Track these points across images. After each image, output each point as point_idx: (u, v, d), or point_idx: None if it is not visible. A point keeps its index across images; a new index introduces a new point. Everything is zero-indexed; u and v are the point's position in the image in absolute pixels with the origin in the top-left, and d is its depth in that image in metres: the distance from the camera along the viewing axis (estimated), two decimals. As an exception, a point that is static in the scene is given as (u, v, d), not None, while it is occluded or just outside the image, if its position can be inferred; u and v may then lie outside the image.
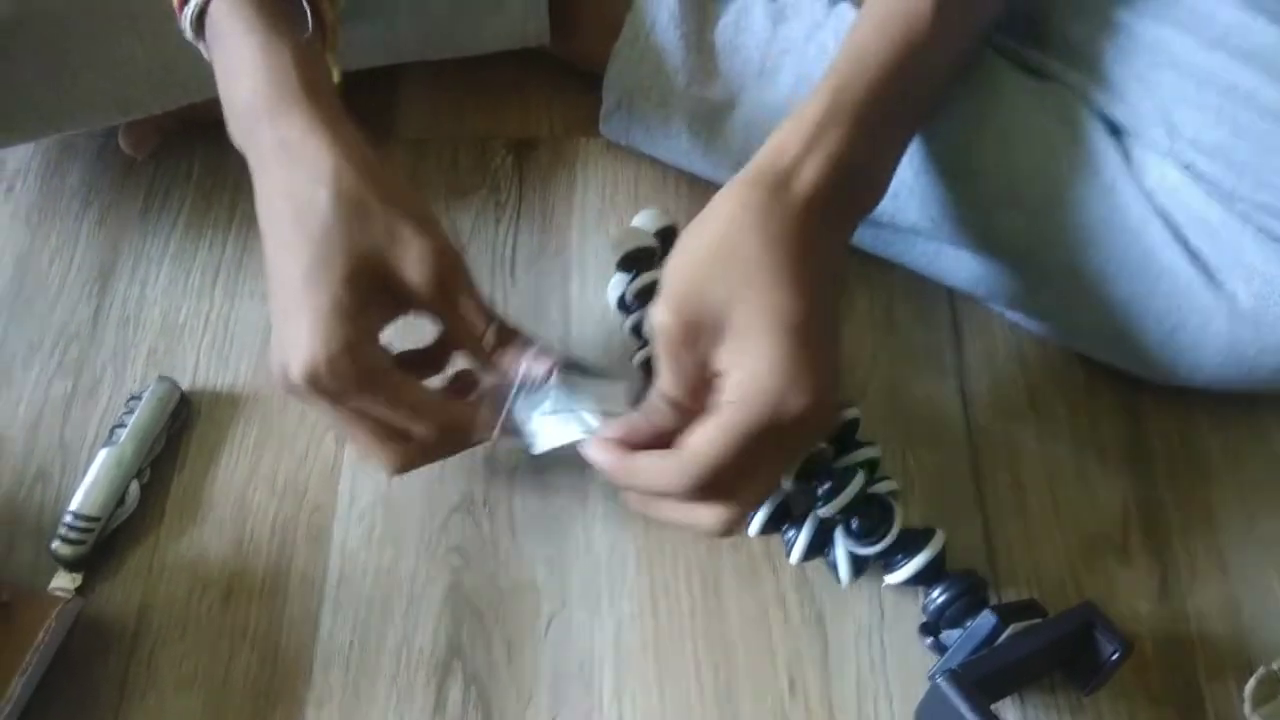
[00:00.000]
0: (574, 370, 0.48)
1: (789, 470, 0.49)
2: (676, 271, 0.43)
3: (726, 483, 0.42)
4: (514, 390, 0.47)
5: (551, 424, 0.47)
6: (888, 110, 0.46)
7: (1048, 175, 0.54)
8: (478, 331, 0.47)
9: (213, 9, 0.46)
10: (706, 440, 0.41)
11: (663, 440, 0.43)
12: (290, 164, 0.45)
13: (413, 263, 0.44)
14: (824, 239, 0.44)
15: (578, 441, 0.46)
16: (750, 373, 0.41)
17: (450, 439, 0.48)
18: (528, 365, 0.47)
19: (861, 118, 0.45)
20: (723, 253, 0.42)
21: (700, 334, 0.42)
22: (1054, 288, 0.56)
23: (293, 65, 0.45)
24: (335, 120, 0.45)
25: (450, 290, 0.46)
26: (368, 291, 0.44)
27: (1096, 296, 0.54)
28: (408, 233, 0.44)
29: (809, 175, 0.44)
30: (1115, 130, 0.54)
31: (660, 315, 0.43)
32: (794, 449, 0.47)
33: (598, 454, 0.44)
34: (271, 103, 0.45)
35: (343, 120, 0.46)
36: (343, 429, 0.48)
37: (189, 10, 0.47)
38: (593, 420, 0.46)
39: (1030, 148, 0.54)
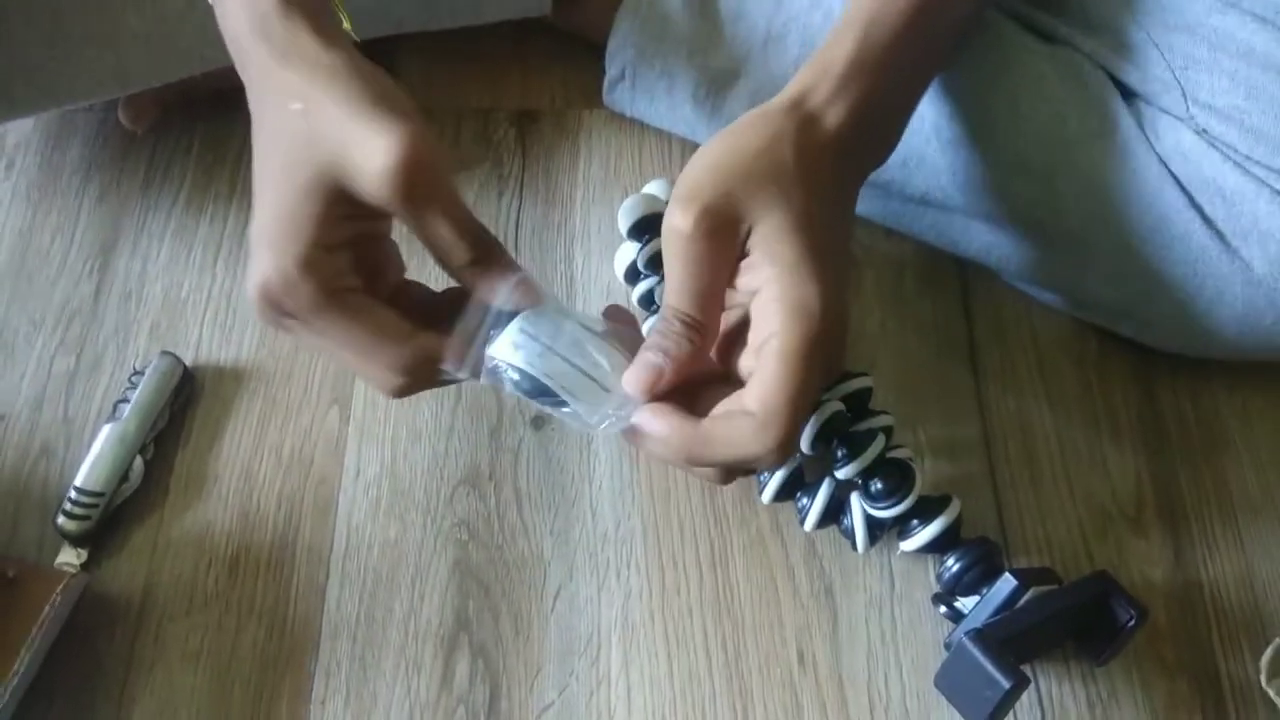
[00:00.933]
0: (559, 312, 0.43)
1: (809, 432, 0.48)
2: (699, 172, 0.41)
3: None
4: (483, 322, 0.42)
5: (524, 358, 0.42)
6: (908, 60, 0.45)
7: (1058, 141, 0.53)
8: (449, 248, 0.40)
9: None
10: (778, 382, 0.38)
11: (687, 381, 0.40)
12: (263, 86, 0.41)
13: (367, 167, 0.38)
14: (842, 186, 0.43)
15: (560, 388, 0.41)
16: (789, 283, 0.39)
17: (422, 371, 0.42)
18: (505, 295, 0.42)
19: (885, 66, 0.44)
20: (754, 160, 0.40)
21: (720, 237, 0.40)
22: (1066, 257, 0.55)
23: None
24: (308, 34, 0.40)
25: (416, 199, 0.38)
26: (329, 204, 0.39)
27: (1109, 265, 0.54)
28: (362, 133, 0.38)
29: (834, 119, 0.43)
30: (1128, 95, 0.53)
31: (677, 214, 0.40)
32: (829, 369, 0.45)
33: (655, 424, 0.40)
34: (253, 25, 0.41)
35: (322, 32, 0.41)
36: (326, 353, 0.44)
37: None
38: (579, 361, 0.42)
39: (1040, 113, 0.53)
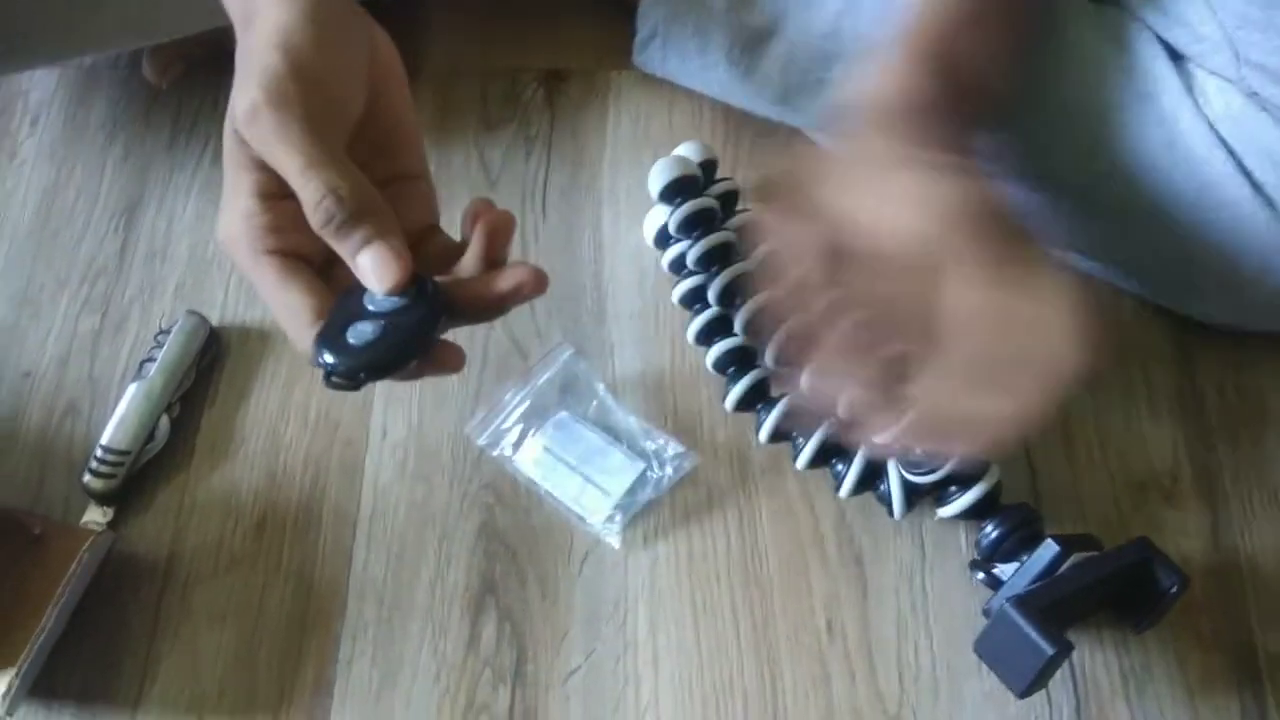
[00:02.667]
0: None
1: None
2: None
3: None
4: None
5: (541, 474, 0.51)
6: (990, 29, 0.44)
7: (1102, 103, 0.51)
8: (300, 194, 0.36)
9: None
10: None
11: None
12: (241, 46, 0.38)
13: (237, 108, 0.36)
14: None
15: None
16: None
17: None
18: (370, 267, 0.36)
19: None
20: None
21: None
22: (1107, 222, 0.54)
23: None
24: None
25: (265, 143, 0.36)
26: (248, 154, 0.37)
27: (1150, 233, 0.52)
28: (241, 78, 0.36)
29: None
30: (1176, 56, 0.52)
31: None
32: None
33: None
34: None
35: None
36: None
37: None
38: None
39: (1084, 74, 0.52)
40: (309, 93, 0.35)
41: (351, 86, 0.38)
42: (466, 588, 0.51)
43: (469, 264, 0.38)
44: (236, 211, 0.37)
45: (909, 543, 0.52)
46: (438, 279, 0.38)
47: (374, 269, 0.36)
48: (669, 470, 0.53)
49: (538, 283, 0.38)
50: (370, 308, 0.37)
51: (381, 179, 0.38)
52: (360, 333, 0.36)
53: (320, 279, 0.38)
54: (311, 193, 0.35)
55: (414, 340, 0.37)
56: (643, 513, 0.53)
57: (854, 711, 0.48)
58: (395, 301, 0.37)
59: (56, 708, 0.50)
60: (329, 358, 0.36)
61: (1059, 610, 0.42)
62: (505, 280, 0.38)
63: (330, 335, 0.36)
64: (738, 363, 0.54)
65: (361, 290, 0.37)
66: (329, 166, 0.35)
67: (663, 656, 0.50)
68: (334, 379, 0.36)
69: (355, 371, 0.36)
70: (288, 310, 0.37)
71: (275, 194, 0.37)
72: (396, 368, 0.37)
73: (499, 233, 0.38)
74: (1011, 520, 0.46)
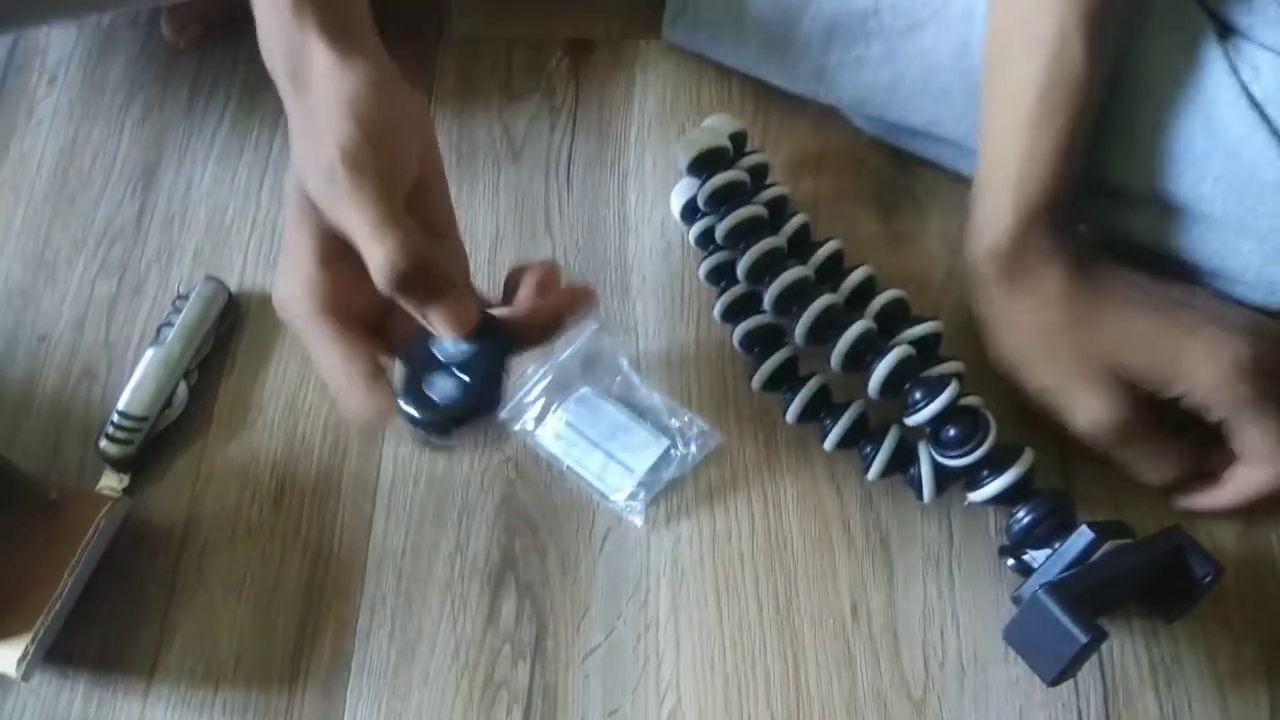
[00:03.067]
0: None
1: (878, 377, 0.46)
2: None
3: None
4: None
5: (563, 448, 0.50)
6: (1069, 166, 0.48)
7: (1138, 82, 0.50)
8: (368, 263, 0.38)
9: None
10: None
11: None
12: (288, 106, 0.41)
13: (367, 260, 0.37)
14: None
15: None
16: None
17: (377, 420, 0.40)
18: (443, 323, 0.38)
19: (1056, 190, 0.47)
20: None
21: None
22: (1144, 210, 0.53)
23: (292, 5, 0.40)
24: (323, 45, 0.40)
25: (334, 205, 0.38)
26: (318, 220, 0.39)
27: (1185, 218, 0.51)
28: (317, 150, 0.38)
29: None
30: (1225, 33, 0.51)
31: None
32: None
33: None
34: (286, 30, 0.40)
35: (338, 40, 0.40)
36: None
37: None
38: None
39: (1126, 58, 0.50)
40: (380, 158, 0.38)
41: (409, 150, 0.40)
42: (486, 562, 0.51)
43: (523, 299, 0.42)
44: (299, 276, 0.40)
45: (936, 527, 0.51)
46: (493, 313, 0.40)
47: (446, 319, 0.38)
48: (693, 448, 0.52)
49: (587, 297, 0.42)
50: (442, 357, 0.39)
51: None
52: (440, 385, 0.38)
53: (373, 337, 0.40)
54: (382, 252, 0.37)
55: (494, 382, 0.39)
56: (666, 491, 0.52)
57: (878, 695, 0.47)
58: (465, 346, 0.39)
59: (71, 675, 0.49)
60: (419, 413, 0.38)
61: (1092, 598, 0.41)
62: (558, 299, 0.41)
63: (412, 391, 0.38)
64: (765, 341, 0.53)
65: (424, 341, 0.39)
66: (397, 226, 0.37)
67: (684, 636, 0.49)
68: (427, 434, 0.38)
69: (446, 424, 0.38)
70: (345, 369, 0.39)
71: (333, 258, 0.40)
72: (484, 411, 0.39)
73: (549, 275, 0.42)
74: (1044, 506, 0.45)
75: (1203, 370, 0.45)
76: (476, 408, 0.39)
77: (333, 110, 0.39)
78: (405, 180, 0.40)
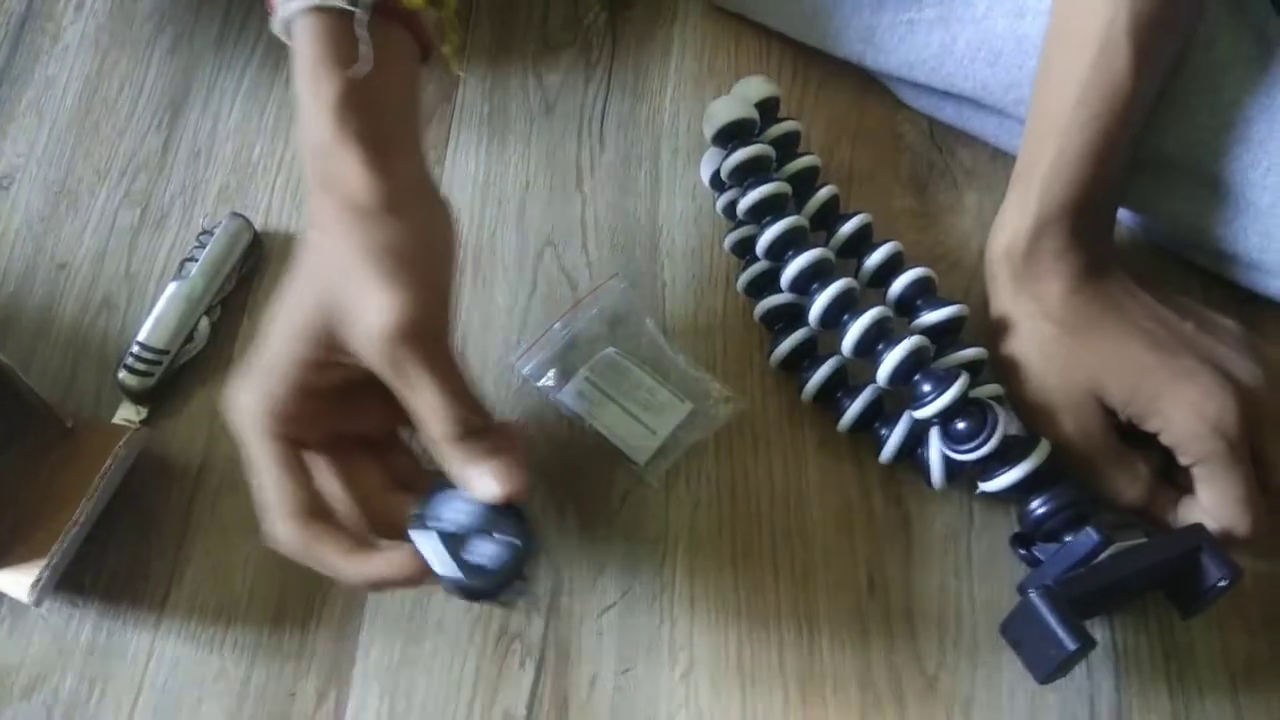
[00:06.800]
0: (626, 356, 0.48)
1: (889, 365, 0.46)
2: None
3: None
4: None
5: (586, 408, 0.51)
6: (1107, 177, 0.47)
7: (1204, 65, 0.49)
8: (428, 418, 0.39)
9: (297, 24, 0.40)
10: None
11: None
12: (307, 204, 0.41)
13: (362, 322, 0.38)
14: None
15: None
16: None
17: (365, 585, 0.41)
18: (479, 481, 0.40)
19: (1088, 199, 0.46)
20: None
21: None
22: (1190, 197, 0.52)
23: (332, 108, 0.39)
24: (358, 164, 0.39)
25: (402, 370, 0.38)
26: (318, 347, 0.39)
27: (1236, 208, 0.50)
28: (365, 285, 0.38)
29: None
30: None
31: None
32: None
33: None
34: (313, 140, 0.40)
35: (375, 163, 0.39)
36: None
37: (277, 17, 0.41)
38: None
39: (1191, 40, 0.49)
40: (437, 319, 0.39)
41: (451, 286, 0.41)
42: (504, 516, 0.50)
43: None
44: (264, 393, 0.39)
45: (956, 507, 0.51)
46: None
47: (498, 477, 0.40)
48: (717, 413, 0.52)
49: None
50: (467, 519, 0.41)
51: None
52: (482, 550, 0.40)
53: (307, 469, 0.41)
54: (448, 410, 0.39)
55: (532, 545, 0.41)
56: (687, 454, 0.52)
57: (891, 668, 0.47)
58: (490, 506, 0.41)
59: (82, 604, 0.49)
60: (471, 581, 0.39)
61: (1092, 601, 0.41)
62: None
63: (456, 559, 0.40)
64: (785, 318, 0.52)
65: (441, 498, 0.41)
66: (461, 384, 0.39)
67: (699, 599, 0.49)
68: (477, 598, 0.41)
69: (497, 589, 0.40)
70: (278, 496, 0.40)
71: (311, 392, 0.40)
72: (525, 574, 0.41)
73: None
74: (1058, 499, 0.44)
75: (1180, 417, 0.44)
76: (529, 553, 0.40)
77: (377, 261, 0.38)
78: (450, 326, 0.41)
